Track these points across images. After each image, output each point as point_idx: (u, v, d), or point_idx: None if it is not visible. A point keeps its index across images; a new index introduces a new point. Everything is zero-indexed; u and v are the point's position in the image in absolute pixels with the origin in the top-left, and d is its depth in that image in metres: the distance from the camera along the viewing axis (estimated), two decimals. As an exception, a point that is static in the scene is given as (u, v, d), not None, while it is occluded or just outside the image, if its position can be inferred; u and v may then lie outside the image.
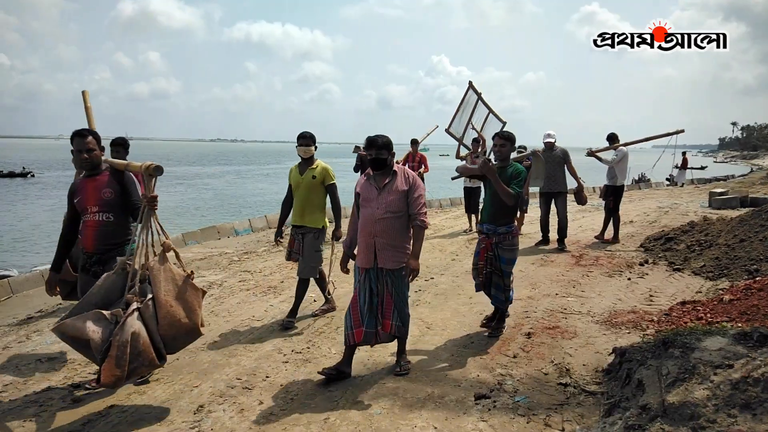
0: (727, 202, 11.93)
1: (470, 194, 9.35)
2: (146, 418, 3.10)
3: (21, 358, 4.07)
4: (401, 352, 3.72)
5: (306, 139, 4.60)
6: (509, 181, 4.00)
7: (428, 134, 10.84)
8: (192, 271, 3.24)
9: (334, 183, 4.70)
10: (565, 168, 7.68)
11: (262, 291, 5.79)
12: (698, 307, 4.37)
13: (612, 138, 8.20)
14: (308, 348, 4.15)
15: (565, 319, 4.68)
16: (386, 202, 3.41)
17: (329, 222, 4.82)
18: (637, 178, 21.85)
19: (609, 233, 8.22)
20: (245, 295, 5.64)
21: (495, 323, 4.37)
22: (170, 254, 3.20)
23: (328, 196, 4.75)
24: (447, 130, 8.70)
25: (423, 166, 9.71)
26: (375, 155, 3.43)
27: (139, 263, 3.10)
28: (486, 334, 4.32)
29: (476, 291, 4.44)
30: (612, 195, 8.07)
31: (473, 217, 9.38)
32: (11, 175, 35.47)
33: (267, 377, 3.63)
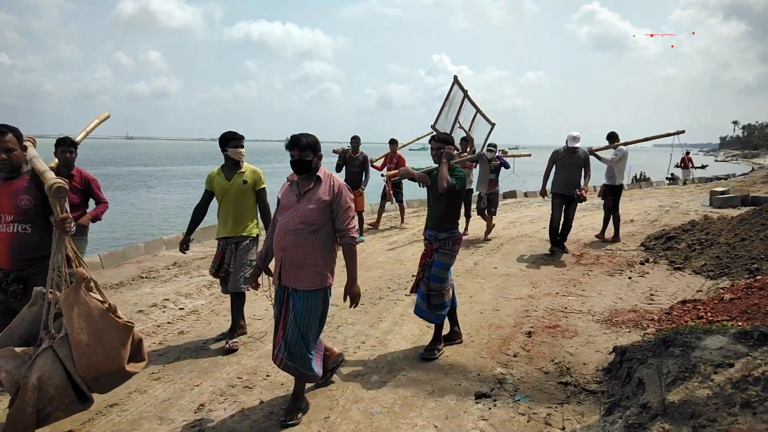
0: (728, 201, 11.92)
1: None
2: (147, 417, 3.10)
3: (22, 357, 4.07)
4: (296, 395, 3.12)
5: (240, 140, 4.15)
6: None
7: (418, 138, 10.70)
8: (112, 304, 2.79)
9: (264, 187, 4.27)
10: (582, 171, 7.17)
11: (263, 289, 5.78)
12: (699, 306, 4.37)
13: (612, 137, 8.19)
14: (309, 347, 4.15)
15: (565, 318, 4.68)
16: (302, 211, 2.96)
17: (261, 230, 4.35)
18: (637, 177, 21.84)
19: (609, 232, 8.22)
20: (245, 294, 5.63)
21: (428, 344, 4.01)
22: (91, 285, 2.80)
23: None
24: (433, 127, 8.54)
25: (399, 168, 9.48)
26: (297, 157, 2.97)
27: (54, 295, 2.72)
28: (419, 357, 3.91)
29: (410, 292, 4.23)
30: (611, 194, 8.06)
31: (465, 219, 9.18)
32: (12, 174, 35.42)
33: (268, 376, 3.64)
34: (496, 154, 8.20)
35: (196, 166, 52.72)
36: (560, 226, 7.22)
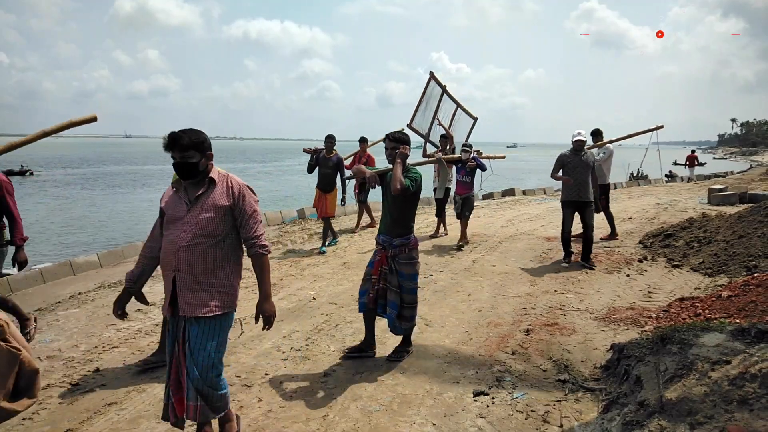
0: (726, 199, 11.93)
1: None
2: (145, 416, 3.10)
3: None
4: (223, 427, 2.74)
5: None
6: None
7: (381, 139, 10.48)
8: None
9: None
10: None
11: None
12: (696, 304, 4.38)
13: (596, 133, 8.06)
14: (307, 345, 4.15)
15: (563, 316, 4.68)
16: (197, 222, 2.49)
17: None
18: (635, 174, 21.86)
19: (606, 231, 8.19)
20: (244, 293, 5.63)
21: (398, 346, 3.94)
22: None
23: None
24: (409, 125, 7.99)
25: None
26: (179, 159, 2.49)
27: None
28: (386, 358, 3.86)
29: (359, 311, 3.85)
30: (603, 194, 7.96)
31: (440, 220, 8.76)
32: (10, 173, 35.31)
33: (266, 375, 3.64)
34: (471, 155, 7.57)
35: (195, 164, 52.70)
36: (570, 236, 6.69)
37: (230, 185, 2.60)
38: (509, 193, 15.51)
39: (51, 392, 3.43)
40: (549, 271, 6.30)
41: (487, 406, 3.14)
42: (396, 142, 3.70)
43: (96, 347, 4.20)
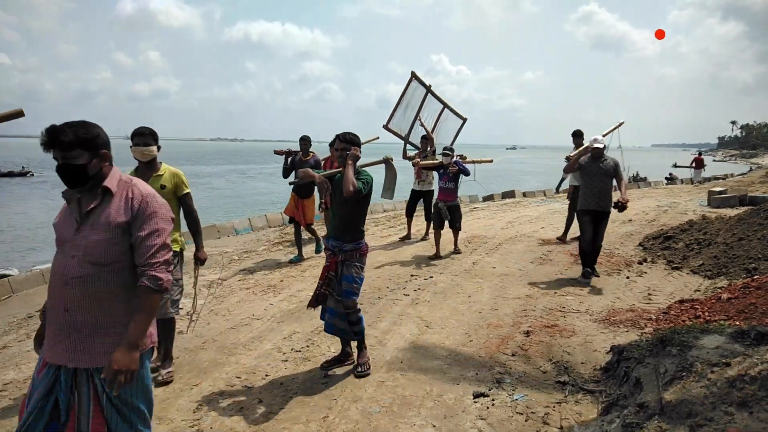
0: (726, 201, 11.94)
1: (419, 197, 8.18)
2: (146, 417, 3.11)
3: (21, 356, 4.08)
4: None
5: (143, 137, 3.41)
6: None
7: (366, 142, 10.26)
8: None
9: (189, 192, 3.68)
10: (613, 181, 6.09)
11: (262, 290, 5.80)
12: (696, 306, 4.39)
13: (577, 135, 7.93)
14: (308, 347, 4.16)
15: (563, 318, 4.69)
16: (86, 245, 1.93)
17: (187, 243, 3.92)
18: (634, 177, 21.90)
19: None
20: (245, 294, 5.65)
21: (357, 358, 3.74)
22: None
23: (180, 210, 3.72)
24: (385, 127, 7.79)
25: None
26: (62, 160, 1.95)
27: None
28: (353, 374, 3.67)
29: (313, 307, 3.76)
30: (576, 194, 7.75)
31: (430, 223, 8.17)
32: (10, 174, 35.44)
33: (266, 376, 3.65)
34: (453, 159, 7.11)
35: (196, 166, 52.71)
36: (591, 248, 6.12)
37: (130, 195, 2.01)
38: (509, 195, 15.51)
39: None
40: (549, 273, 6.31)
41: (487, 407, 3.15)
42: (347, 143, 3.59)
43: (97, 348, 4.20)
